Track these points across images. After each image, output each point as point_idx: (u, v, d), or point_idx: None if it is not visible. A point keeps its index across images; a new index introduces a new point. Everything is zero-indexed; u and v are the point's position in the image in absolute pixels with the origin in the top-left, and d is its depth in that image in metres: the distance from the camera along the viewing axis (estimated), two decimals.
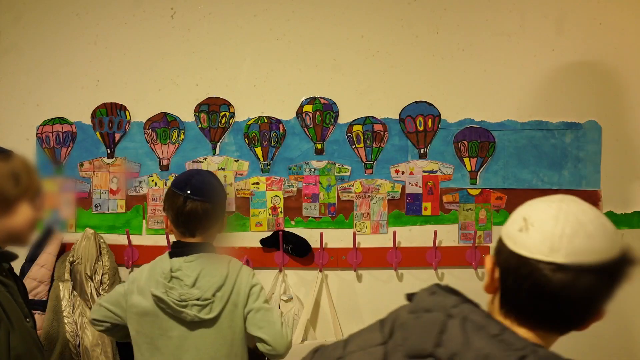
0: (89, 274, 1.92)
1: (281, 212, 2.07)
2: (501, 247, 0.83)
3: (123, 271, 2.06)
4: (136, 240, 2.06)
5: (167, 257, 1.45)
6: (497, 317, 0.83)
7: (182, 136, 2.09)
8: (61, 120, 2.11)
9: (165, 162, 2.09)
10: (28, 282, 1.89)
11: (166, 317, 1.40)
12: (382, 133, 2.06)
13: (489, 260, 0.87)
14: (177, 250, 1.44)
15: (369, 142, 2.06)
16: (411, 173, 2.06)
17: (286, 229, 2.05)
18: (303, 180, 2.07)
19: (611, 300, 0.83)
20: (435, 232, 2.02)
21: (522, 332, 0.82)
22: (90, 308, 1.87)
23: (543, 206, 0.81)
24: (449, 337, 0.77)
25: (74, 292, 1.90)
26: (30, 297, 1.73)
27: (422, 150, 2.06)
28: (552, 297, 0.76)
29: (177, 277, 1.40)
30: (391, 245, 2.04)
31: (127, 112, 2.10)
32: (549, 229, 0.77)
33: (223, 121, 2.08)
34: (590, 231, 0.78)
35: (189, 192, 1.42)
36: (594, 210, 0.82)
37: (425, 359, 0.77)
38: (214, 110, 2.08)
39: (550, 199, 0.82)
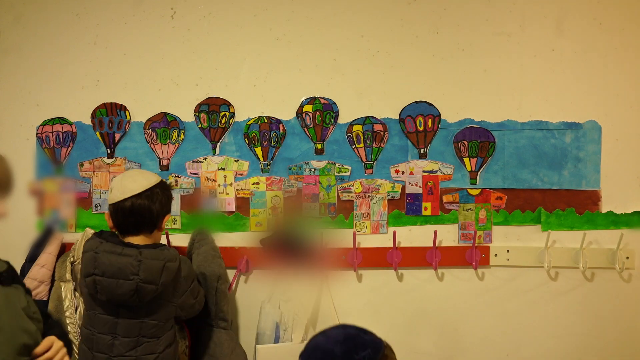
0: None
1: (281, 212, 2.07)
2: (110, 206, 1.66)
3: None
4: None
5: None
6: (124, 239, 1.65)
7: (182, 136, 2.09)
8: (61, 120, 2.11)
9: (165, 162, 2.09)
10: (28, 282, 1.89)
11: None
12: (382, 133, 2.06)
13: (107, 216, 1.70)
14: None
15: (369, 142, 2.06)
16: (411, 173, 2.06)
17: (286, 229, 2.05)
18: (303, 180, 2.07)
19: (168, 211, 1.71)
20: (435, 232, 2.02)
21: (135, 239, 1.64)
22: None
23: (116, 179, 1.69)
24: (99, 263, 1.57)
25: (76, 292, 1.90)
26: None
27: (422, 150, 2.07)
28: (132, 213, 1.63)
29: None
30: (391, 245, 2.04)
31: (127, 112, 2.10)
32: (112, 186, 1.67)
33: (223, 121, 2.08)
34: (131, 178, 1.67)
35: None
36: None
37: (90, 276, 1.58)
38: (214, 110, 2.08)
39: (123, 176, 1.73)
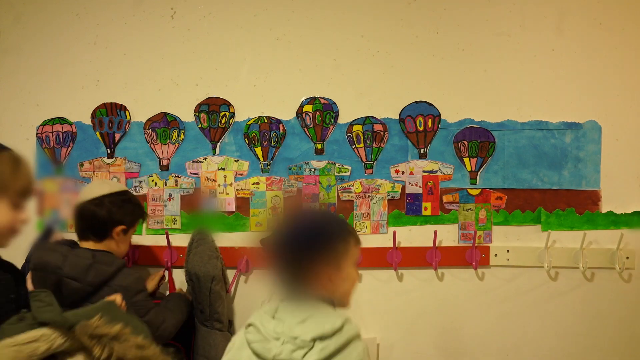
0: None
1: (281, 212, 2.07)
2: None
3: None
4: (136, 240, 2.06)
5: None
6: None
7: (182, 136, 2.09)
8: (61, 120, 2.11)
9: (165, 162, 2.09)
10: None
11: None
12: (382, 133, 2.06)
13: None
14: None
15: (369, 142, 2.06)
16: (411, 173, 2.06)
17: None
18: (303, 180, 2.07)
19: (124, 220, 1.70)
20: (435, 232, 2.02)
21: (85, 244, 1.68)
22: None
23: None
24: (69, 262, 1.56)
25: None
26: None
27: (422, 150, 2.06)
28: (79, 217, 1.68)
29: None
30: (391, 245, 2.04)
31: (127, 112, 2.10)
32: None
33: (223, 121, 2.08)
34: (91, 184, 1.82)
35: None
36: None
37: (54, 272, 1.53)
38: (214, 110, 2.08)
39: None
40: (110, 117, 2.10)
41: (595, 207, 2.04)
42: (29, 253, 1.97)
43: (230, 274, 2.05)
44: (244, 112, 2.08)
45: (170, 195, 2.08)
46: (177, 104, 2.09)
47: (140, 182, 2.09)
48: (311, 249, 1.17)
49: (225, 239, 2.06)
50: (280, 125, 2.07)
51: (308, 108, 2.07)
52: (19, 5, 2.13)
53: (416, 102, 2.06)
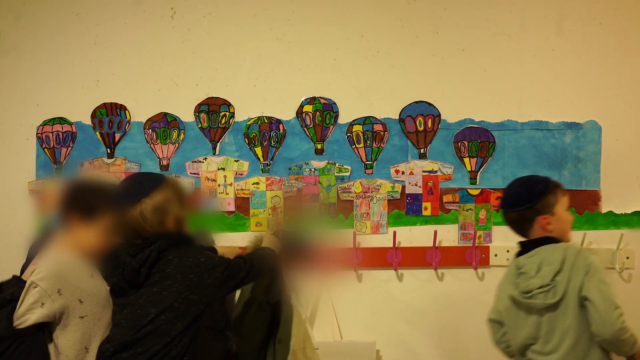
0: None
1: (281, 212, 2.07)
2: None
3: None
4: None
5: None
6: None
7: (182, 136, 2.09)
8: (61, 120, 2.11)
9: (165, 162, 2.09)
10: None
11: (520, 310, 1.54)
12: (382, 133, 2.06)
13: None
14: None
15: (369, 142, 2.06)
16: (411, 173, 2.06)
17: (286, 229, 2.05)
18: (303, 180, 2.07)
19: None
20: (435, 232, 2.02)
21: None
22: None
23: None
24: None
25: None
26: None
27: (422, 150, 2.06)
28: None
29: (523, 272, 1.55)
30: (391, 245, 2.04)
31: (127, 112, 2.10)
32: None
33: (223, 121, 2.08)
34: None
35: None
36: None
37: None
38: (214, 110, 2.08)
39: None
40: (110, 117, 2.10)
41: (595, 207, 2.04)
42: (29, 253, 1.98)
43: None
44: (244, 112, 2.08)
45: None
46: (177, 104, 2.09)
47: None
48: (525, 206, 1.52)
49: (225, 239, 2.05)
50: (280, 125, 2.07)
51: (308, 108, 2.07)
52: (19, 5, 2.13)
53: (416, 102, 2.06)
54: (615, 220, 2.04)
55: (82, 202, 1.50)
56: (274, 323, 1.72)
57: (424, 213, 2.06)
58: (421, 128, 2.06)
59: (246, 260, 1.55)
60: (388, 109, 2.07)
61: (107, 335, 1.43)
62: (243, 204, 2.08)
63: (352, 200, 2.07)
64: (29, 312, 1.42)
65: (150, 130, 2.09)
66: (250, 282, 1.62)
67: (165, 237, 1.40)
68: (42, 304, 1.41)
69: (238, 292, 1.75)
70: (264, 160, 2.08)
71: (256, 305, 1.72)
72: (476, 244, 2.04)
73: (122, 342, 1.36)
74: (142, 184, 1.49)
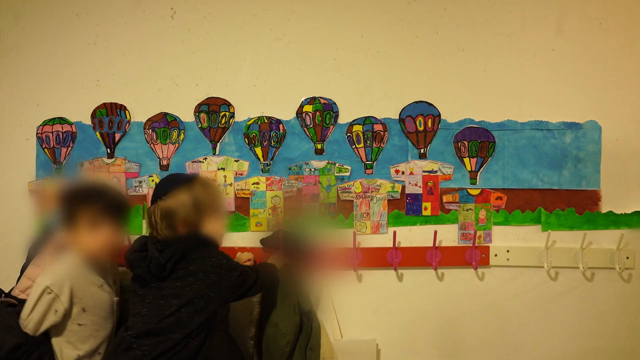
0: None
1: (281, 212, 2.07)
2: None
3: (123, 271, 2.05)
4: None
5: None
6: None
7: (182, 136, 2.09)
8: (61, 120, 2.11)
9: (165, 162, 2.09)
10: (24, 281, 1.88)
11: None
12: (382, 133, 2.06)
13: None
14: None
15: (369, 142, 2.06)
16: (411, 173, 2.06)
17: (286, 229, 2.05)
18: (303, 180, 2.07)
19: None
20: (435, 232, 2.02)
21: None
22: None
23: None
24: None
25: None
26: (23, 296, 1.72)
27: (422, 150, 2.07)
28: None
29: None
30: (391, 245, 2.04)
31: (127, 112, 2.10)
32: None
33: (223, 121, 2.08)
34: None
35: None
36: None
37: None
38: (214, 110, 2.08)
39: None
40: (110, 117, 2.10)
41: (595, 207, 2.04)
42: (29, 253, 1.98)
43: None
44: (244, 112, 2.08)
45: None
46: (177, 104, 2.09)
47: (140, 182, 2.09)
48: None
49: (225, 239, 2.05)
50: (280, 125, 2.07)
51: (308, 108, 2.07)
52: (19, 5, 2.13)
53: (416, 102, 2.06)
54: (615, 220, 2.04)
55: (87, 209, 1.51)
56: (301, 330, 1.78)
57: (424, 213, 2.06)
58: (421, 128, 2.06)
59: (254, 272, 1.61)
60: (388, 109, 2.07)
61: (125, 323, 1.51)
62: (243, 204, 2.08)
63: (352, 200, 2.07)
64: (44, 319, 1.43)
65: (150, 130, 2.09)
66: (253, 295, 1.68)
67: (191, 238, 1.48)
68: (56, 310, 1.42)
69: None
70: (264, 160, 2.08)
71: (292, 307, 1.80)
72: (476, 244, 2.04)
73: (145, 330, 1.42)
74: (162, 185, 1.54)
